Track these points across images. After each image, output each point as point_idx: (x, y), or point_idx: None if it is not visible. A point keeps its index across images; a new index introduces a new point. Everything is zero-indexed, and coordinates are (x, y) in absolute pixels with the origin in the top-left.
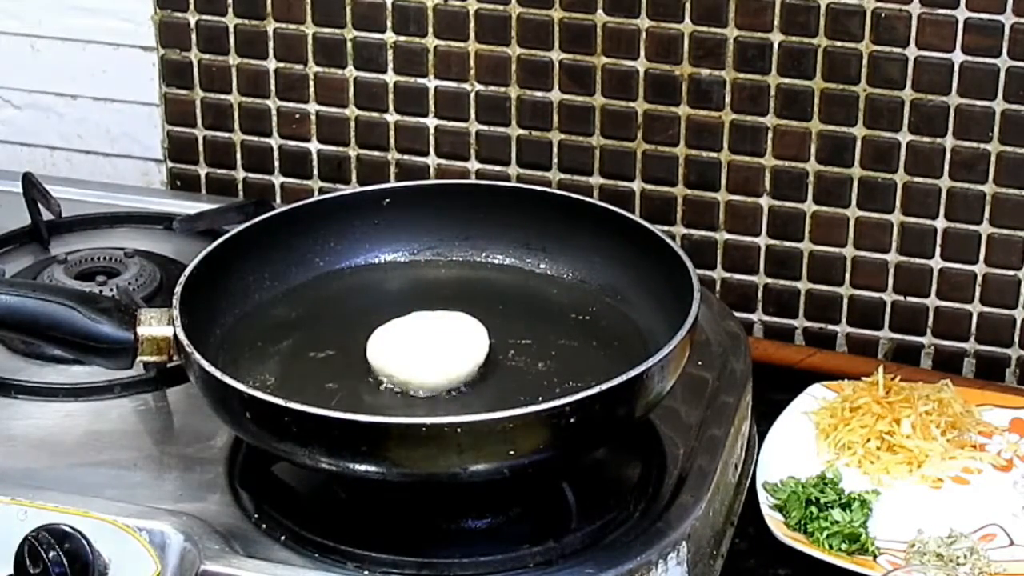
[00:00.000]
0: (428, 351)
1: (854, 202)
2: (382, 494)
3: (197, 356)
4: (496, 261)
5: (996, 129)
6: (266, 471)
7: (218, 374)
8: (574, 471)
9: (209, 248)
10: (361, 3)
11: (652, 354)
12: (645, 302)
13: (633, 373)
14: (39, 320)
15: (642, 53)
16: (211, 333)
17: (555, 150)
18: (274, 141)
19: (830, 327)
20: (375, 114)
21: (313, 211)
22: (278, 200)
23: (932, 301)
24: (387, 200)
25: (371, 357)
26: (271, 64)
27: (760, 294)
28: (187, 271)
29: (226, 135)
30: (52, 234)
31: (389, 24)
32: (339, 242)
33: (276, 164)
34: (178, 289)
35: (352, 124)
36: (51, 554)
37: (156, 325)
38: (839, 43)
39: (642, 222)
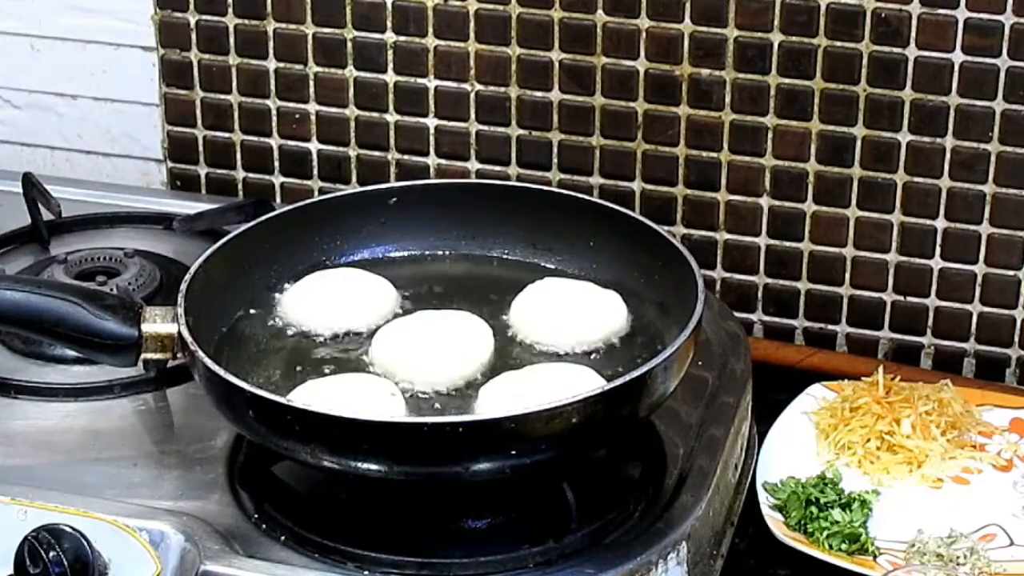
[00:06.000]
0: (432, 350)
1: (854, 202)
2: (383, 493)
3: (201, 354)
4: (503, 259)
5: (996, 129)
6: (266, 471)
7: (222, 372)
8: (574, 471)
9: (215, 246)
10: (361, 3)
11: (657, 354)
12: (650, 302)
13: (636, 373)
14: (44, 316)
15: (642, 53)
16: (215, 330)
17: (555, 150)
18: (274, 141)
19: (830, 327)
20: (375, 114)
21: (319, 210)
22: (278, 200)
23: (932, 301)
24: (394, 199)
25: (375, 355)
26: (271, 64)
27: (760, 294)
28: (193, 268)
29: (226, 135)
30: (52, 234)
31: (389, 24)
32: (345, 240)
33: (276, 164)
34: (183, 286)
35: (352, 124)
36: (51, 554)
37: (161, 322)
38: (839, 43)
39: (648, 222)
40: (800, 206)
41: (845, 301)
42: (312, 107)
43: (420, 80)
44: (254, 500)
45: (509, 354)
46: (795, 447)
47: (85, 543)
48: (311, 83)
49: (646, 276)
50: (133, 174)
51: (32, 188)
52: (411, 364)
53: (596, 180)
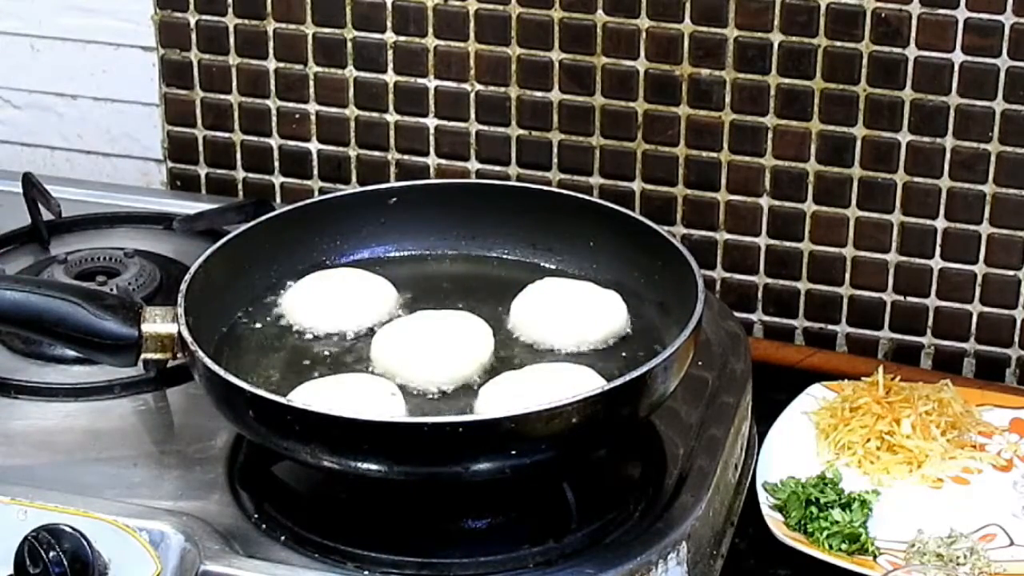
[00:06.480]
0: (432, 350)
1: (854, 202)
2: (383, 493)
3: (201, 354)
4: (503, 259)
5: (996, 129)
6: (266, 471)
7: (222, 372)
8: (574, 471)
9: (215, 246)
10: (361, 3)
11: (657, 354)
12: (650, 302)
13: (636, 373)
14: (44, 316)
15: (642, 53)
16: (215, 330)
17: (555, 150)
18: (274, 141)
19: (830, 327)
20: (375, 114)
21: (319, 210)
22: (278, 200)
23: (932, 301)
24: (394, 199)
25: (375, 355)
26: (271, 64)
27: (760, 294)
28: (193, 268)
29: (226, 135)
30: (52, 234)
31: (389, 24)
32: (345, 240)
33: (276, 164)
34: (183, 286)
35: (352, 124)
36: (51, 554)
37: (161, 322)
38: (839, 43)
39: (648, 222)
40: (800, 206)
41: (845, 301)
42: (312, 107)
43: (420, 80)
44: (254, 500)
45: (509, 354)
46: (795, 447)
47: (85, 543)
48: (311, 83)
49: (646, 276)
50: (133, 174)
51: (32, 188)
52: (411, 364)
53: (596, 180)
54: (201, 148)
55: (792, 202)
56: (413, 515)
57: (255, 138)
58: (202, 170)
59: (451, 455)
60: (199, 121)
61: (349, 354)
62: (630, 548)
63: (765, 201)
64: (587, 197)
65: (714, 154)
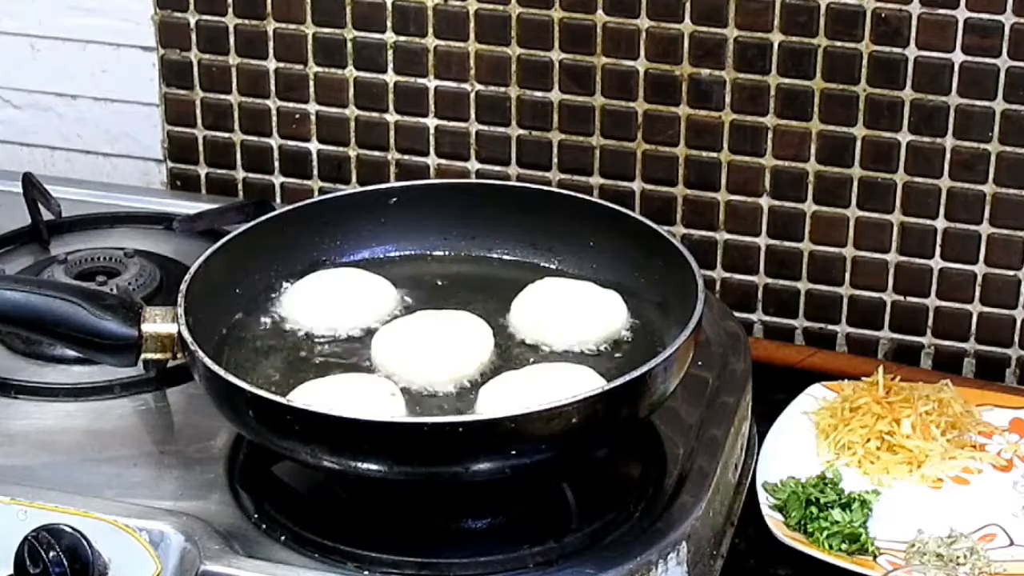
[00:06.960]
0: (432, 350)
1: (854, 202)
2: (383, 493)
3: (201, 354)
4: (503, 260)
5: (996, 129)
6: (266, 471)
7: (222, 372)
8: (574, 471)
9: (215, 246)
10: (361, 3)
11: (657, 354)
12: (650, 302)
13: (636, 373)
14: (44, 316)
15: (642, 53)
16: (215, 330)
17: (555, 150)
18: (274, 141)
19: (830, 327)
20: (375, 114)
21: (319, 210)
22: (278, 200)
23: (932, 301)
24: (394, 199)
25: (376, 355)
26: (271, 64)
27: (760, 294)
28: (193, 268)
29: (226, 135)
30: (52, 234)
31: (389, 24)
32: (345, 240)
33: (276, 164)
34: (183, 286)
35: (352, 124)
36: (51, 554)
37: (161, 322)
38: (839, 43)
39: (648, 222)
40: (800, 206)
41: (845, 301)
42: (312, 107)
43: (420, 80)
44: (254, 500)
45: (509, 354)
46: (795, 447)
47: (85, 543)
48: (311, 83)
49: (646, 276)
50: (133, 174)
51: (32, 188)
52: (411, 364)
53: (596, 180)
54: (201, 148)
55: (792, 202)
56: (413, 515)
57: (255, 138)
58: (202, 170)
59: (451, 455)
60: (199, 121)
61: (349, 354)
62: (630, 548)
63: (765, 201)
64: (587, 197)
65: (714, 154)
